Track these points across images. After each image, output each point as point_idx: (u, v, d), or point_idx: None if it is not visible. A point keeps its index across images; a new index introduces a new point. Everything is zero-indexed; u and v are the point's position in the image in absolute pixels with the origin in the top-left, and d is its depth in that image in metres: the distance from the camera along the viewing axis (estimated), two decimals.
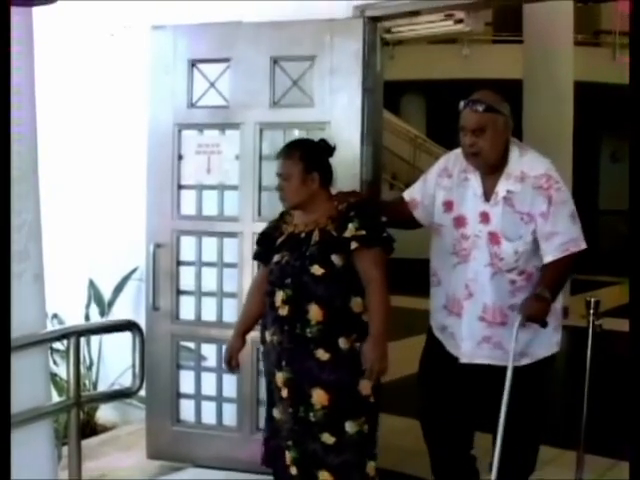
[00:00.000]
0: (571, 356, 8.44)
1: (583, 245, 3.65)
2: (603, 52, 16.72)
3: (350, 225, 3.57)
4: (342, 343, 3.57)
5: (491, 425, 3.74)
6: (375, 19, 4.61)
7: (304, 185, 3.66)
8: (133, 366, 3.57)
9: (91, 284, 6.13)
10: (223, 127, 4.81)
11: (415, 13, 4.80)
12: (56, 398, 3.88)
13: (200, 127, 4.88)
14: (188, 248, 4.91)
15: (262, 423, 4.13)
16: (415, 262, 5.63)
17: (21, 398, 3.10)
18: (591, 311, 4.05)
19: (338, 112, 4.51)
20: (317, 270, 3.56)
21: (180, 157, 4.86)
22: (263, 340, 3.77)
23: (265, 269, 3.86)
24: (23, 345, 3.13)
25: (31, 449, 3.23)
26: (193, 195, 4.88)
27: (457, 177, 3.82)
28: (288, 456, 3.72)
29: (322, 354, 3.56)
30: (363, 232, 3.56)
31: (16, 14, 3.10)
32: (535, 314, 3.51)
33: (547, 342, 3.79)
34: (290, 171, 3.67)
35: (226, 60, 4.75)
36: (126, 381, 4.69)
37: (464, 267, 3.76)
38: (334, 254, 3.57)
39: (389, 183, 15.51)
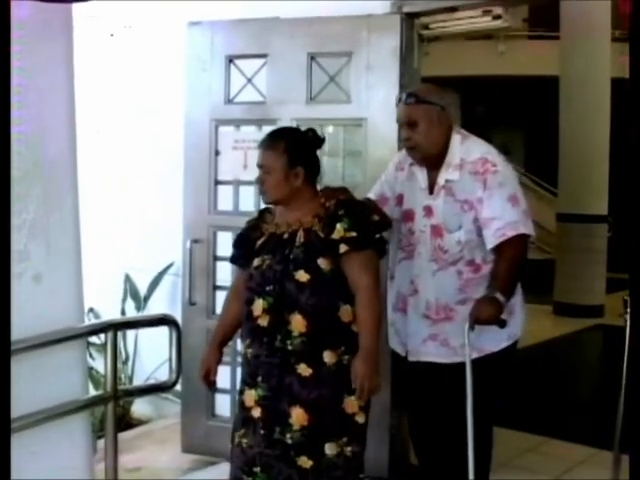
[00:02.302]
0: (607, 355, 8.41)
1: (522, 229, 3.46)
2: None
3: (339, 225, 3.21)
4: (327, 357, 3.21)
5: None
6: (412, 15, 4.59)
7: (286, 180, 3.29)
8: (170, 360, 3.58)
9: (127, 279, 6.18)
10: (260, 123, 4.82)
11: (453, 9, 4.77)
12: (92, 392, 3.90)
13: (237, 123, 4.90)
14: (224, 243, 4.91)
15: None
16: None
17: (59, 391, 3.14)
18: (628, 310, 3.99)
19: (375, 108, 4.50)
20: (302, 276, 3.20)
21: (217, 153, 4.87)
22: (242, 354, 3.45)
23: (243, 274, 3.46)
24: (61, 339, 3.16)
25: (68, 441, 3.26)
26: (230, 191, 4.88)
27: (407, 171, 3.76)
28: None
29: (304, 369, 3.20)
30: (353, 234, 3.20)
31: (55, 12, 3.13)
32: (485, 318, 3.35)
33: (495, 336, 3.56)
34: (272, 164, 3.30)
35: (263, 56, 4.76)
36: (161, 376, 4.75)
37: (409, 263, 3.67)
38: (321, 258, 3.22)
39: None
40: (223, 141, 4.88)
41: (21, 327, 2.84)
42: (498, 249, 3.48)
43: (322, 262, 3.22)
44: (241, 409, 3.38)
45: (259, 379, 3.28)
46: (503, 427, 5.56)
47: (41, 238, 3.04)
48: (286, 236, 3.31)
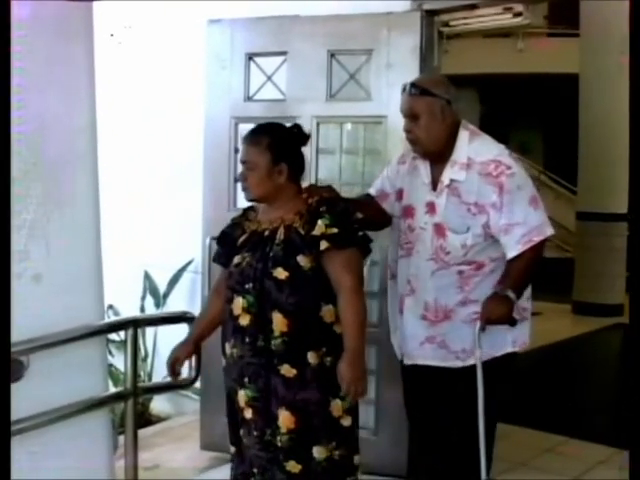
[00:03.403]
0: (627, 354, 8.37)
1: (549, 231, 3.36)
2: None
3: (320, 222, 3.11)
4: (311, 357, 3.12)
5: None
6: (433, 12, 4.58)
7: (270, 177, 3.19)
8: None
9: (147, 276, 6.19)
10: (280, 120, 4.79)
11: (473, 6, 4.76)
12: (112, 389, 3.91)
13: (257, 120, 4.87)
14: None
15: None
16: None
17: (79, 388, 3.15)
18: None
19: (395, 106, 4.42)
20: (280, 273, 3.10)
21: (236, 150, 4.84)
22: (224, 353, 3.33)
23: (225, 272, 3.38)
24: (81, 336, 3.17)
25: (89, 438, 3.27)
26: None
27: (409, 164, 3.61)
28: None
29: (288, 370, 3.11)
30: (335, 230, 3.09)
31: (75, 10, 3.14)
32: (496, 316, 3.27)
33: (500, 340, 3.45)
34: (255, 160, 3.20)
35: (283, 54, 4.75)
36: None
37: (407, 261, 3.53)
38: (300, 255, 3.11)
39: None
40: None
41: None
42: None
43: (302, 260, 3.12)
44: (237, 409, 3.31)
45: (246, 380, 3.20)
46: (521, 426, 5.59)
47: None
48: (267, 233, 3.22)
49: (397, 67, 4.48)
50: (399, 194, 3.63)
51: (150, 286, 6.21)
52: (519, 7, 4.80)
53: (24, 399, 2.91)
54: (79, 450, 3.20)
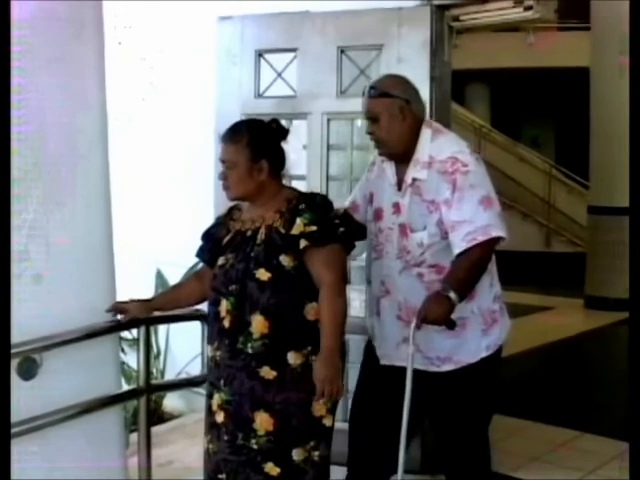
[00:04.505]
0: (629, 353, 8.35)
1: (494, 233, 3.23)
2: None
3: (298, 220, 3.07)
4: (292, 358, 3.07)
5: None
6: (443, 7, 4.59)
7: (250, 175, 3.14)
8: (202, 355, 3.59)
9: (159, 274, 6.19)
10: (290, 117, 4.80)
11: (483, 0, 4.75)
12: (124, 386, 3.92)
13: (267, 117, 4.87)
14: None
15: None
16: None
17: (93, 386, 3.16)
18: None
19: None
20: (263, 274, 3.06)
21: None
22: (208, 356, 3.28)
23: (209, 270, 3.33)
24: (94, 333, 3.18)
25: (102, 435, 3.28)
26: None
27: (378, 168, 3.58)
28: None
29: (267, 372, 3.06)
30: (313, 228, 3.05)
31: (84, 8, 3.14)
32: (433, 317, 3.15)
33: (474, 347, 3.40)
34: (235, 158, 3.15)
35: (293, 50, 4.76)
36: (192, 370, 4.75)
37: (379, 263, 3.48)
38: (282, 255, 3.07)
39: None
40: None
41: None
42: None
43: (284, 259, 3.08)
44: (208, 413, 3.27)
45: (222, 382, 3.16)
46: (535, 421, 5.58)
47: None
48: (249, 233, 3.18)
49: (408, 62, 4.47)
50: (370, 198, 3.59)
51: (162, 284, 6.20)
52: (530, 1, 4.78)
53: (37, 397, 2.93)
54: (92, 448, 3.20)
